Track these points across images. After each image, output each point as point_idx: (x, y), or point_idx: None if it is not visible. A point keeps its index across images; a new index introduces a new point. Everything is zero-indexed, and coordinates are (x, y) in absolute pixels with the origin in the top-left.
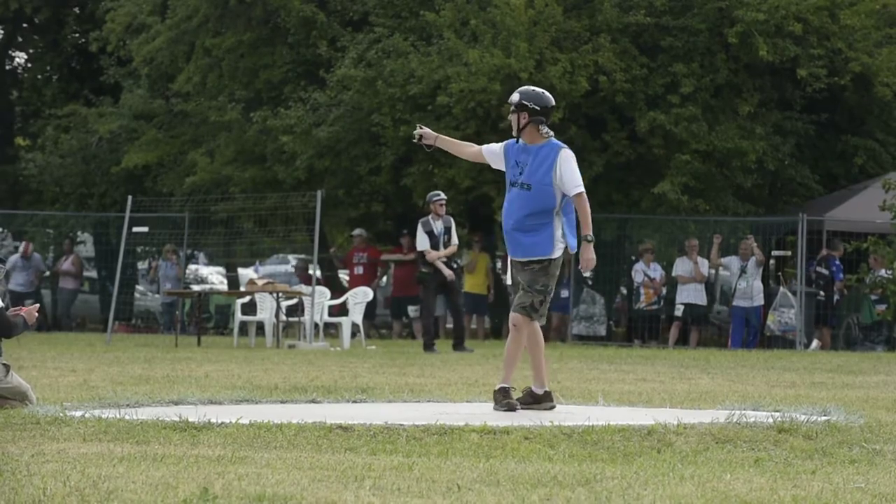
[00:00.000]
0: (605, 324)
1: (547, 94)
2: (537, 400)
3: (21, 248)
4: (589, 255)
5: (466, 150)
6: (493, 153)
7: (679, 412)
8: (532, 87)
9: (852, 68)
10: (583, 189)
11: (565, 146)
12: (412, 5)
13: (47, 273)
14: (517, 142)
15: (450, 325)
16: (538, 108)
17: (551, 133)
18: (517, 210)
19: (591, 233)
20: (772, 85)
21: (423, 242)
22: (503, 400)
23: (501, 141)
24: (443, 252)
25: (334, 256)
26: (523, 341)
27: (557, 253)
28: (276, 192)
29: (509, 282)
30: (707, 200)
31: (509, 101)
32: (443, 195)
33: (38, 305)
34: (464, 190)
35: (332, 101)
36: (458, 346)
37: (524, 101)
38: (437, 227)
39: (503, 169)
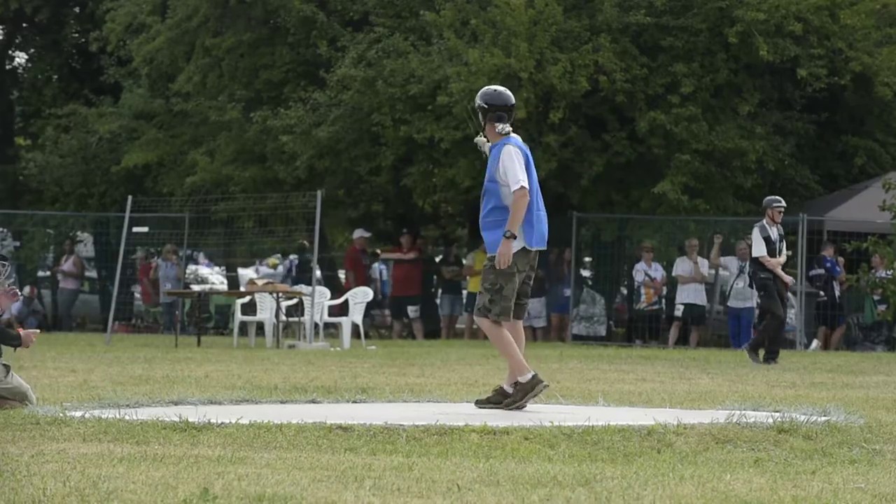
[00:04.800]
0: (605, 324)
1: (505, 92)
2: (508, 397)
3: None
4: (504, 251)
5: None
6: None
7: (679, 412)
8: (492, 87)
9: (852, 68)
10: (523, 185)
11: (512, 141)
12: (412, 5)
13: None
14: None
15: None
16: (486, 106)
17: (508, 130)
18: (482, 209)
19: (511, 229)
20: (772, 85)
21: (760, 248)
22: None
23: None
24: (782, 259)
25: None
26: (505, 336)
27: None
28: (276, 192)
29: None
30: (707, 200)
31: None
32: (783, 202)
33: (37, 331)
34: (464, 190)
35: (332, 101)
36: (771, 357)
37: (480, 102)
38: (773, 233)
39: None
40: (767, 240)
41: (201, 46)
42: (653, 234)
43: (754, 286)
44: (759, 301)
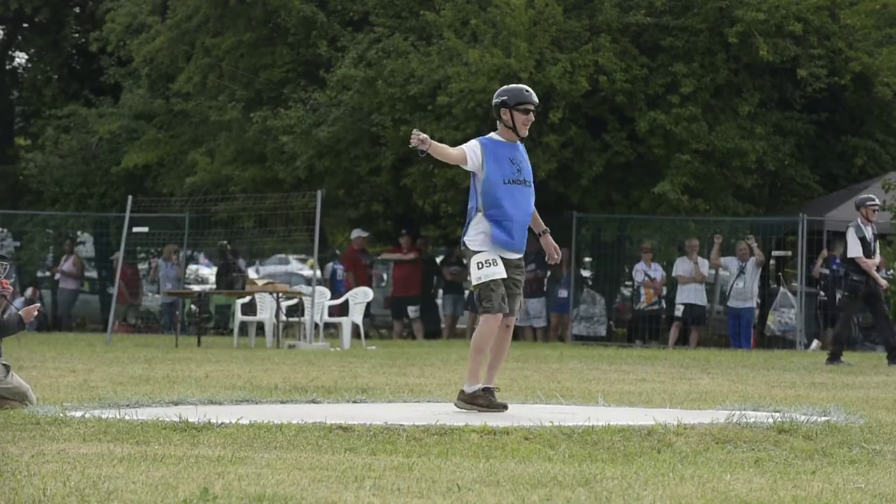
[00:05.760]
0: (605, 324)
1: None
2: (469, 400)
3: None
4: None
5: (452, 153)
6: (475, 154)
7: (679, 412)
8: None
9: (852, 68)
10: None
11: None
12: (412, 5)
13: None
14: (493, 139)
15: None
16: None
17: None
18: (528, 207)
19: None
20: (772, 85)
21: (856, 249)
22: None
23: None
24: (876, 259)
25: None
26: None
27: None
28: (276, 192)
29: (483, 280)
30: (707, 200)
31: (534, 102)
32: (876, 200)
33: (38, 305)
34: (463, 190)
35: (332, 101)
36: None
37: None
38: (868, 232)
39: (474, 169)
40: (863, 240)
41: (201, 46)
42: (653, 234)
43: (844, 287)
44: (839, 299)
